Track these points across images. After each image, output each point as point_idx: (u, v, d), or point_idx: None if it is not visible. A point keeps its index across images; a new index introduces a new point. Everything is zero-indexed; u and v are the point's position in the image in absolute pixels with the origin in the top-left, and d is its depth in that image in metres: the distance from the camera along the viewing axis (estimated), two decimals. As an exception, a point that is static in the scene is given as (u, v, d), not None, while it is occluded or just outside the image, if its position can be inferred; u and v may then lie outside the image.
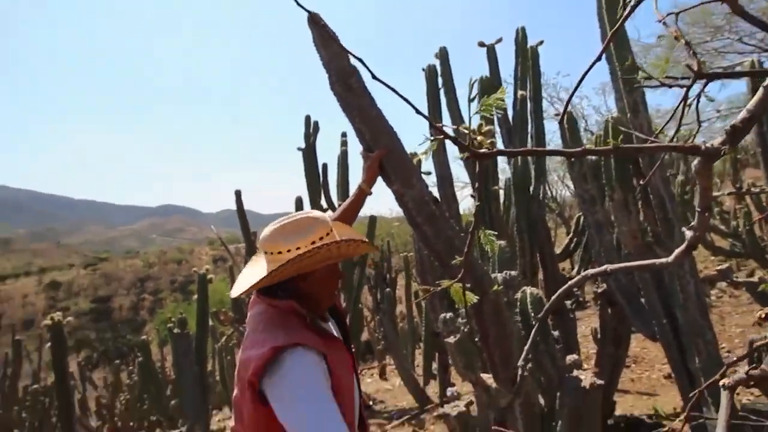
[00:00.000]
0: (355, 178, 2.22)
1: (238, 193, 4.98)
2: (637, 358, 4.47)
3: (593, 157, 2.69)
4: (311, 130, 5.20)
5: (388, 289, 5.53)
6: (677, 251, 1.00)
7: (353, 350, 1.40)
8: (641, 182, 2.33)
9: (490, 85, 3.61)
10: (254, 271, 1.24)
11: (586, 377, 1.77)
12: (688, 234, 0.96)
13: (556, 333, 2.33)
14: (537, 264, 3.35)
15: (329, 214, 1.57)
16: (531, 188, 3.35)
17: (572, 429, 1.76)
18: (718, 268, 4.06)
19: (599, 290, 2.83)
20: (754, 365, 0.90)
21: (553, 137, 9.50)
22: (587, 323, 5.53)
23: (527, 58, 3.72)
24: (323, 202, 5.08)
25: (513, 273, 2.16)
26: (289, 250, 1.17)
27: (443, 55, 3.79)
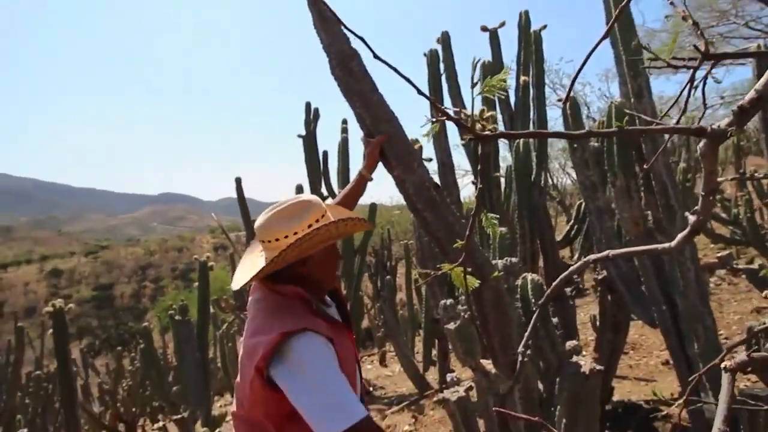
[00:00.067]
0: (356, 166, 2.22)
1: (238, 181, 4.95)
2: (635, 345, 4.50)
3: (596, 144, 2.67)
4: (311, 117, 5.16)
5: (388, 277, 5.54)
6: (680, 236, 0.99)
7: (354, 336, 1.40)
8: (645, 165, 2.31)
9: (492, 70, 3.58)
10: (254, 262, 1.24)
11: (586, 363, 1.77)
12: (691, 218, 0.95)
13: (555, 320, 2.33)
14: (537, 251, 3.35)
15: (329, 201, 1.56)
16: (533, 175, 3.33)
17: (571, 414, 1.77)
18: (719, 255, 4.07)
19: (600, 277, 2.83)
20: (754, 349, 0.90)
21: (555, 124, 9.45)
22: (586, 311, 5.56)
23: (530, 43, 3.67)
24: (324, 190, 5.06)
25: (514, 260, 2.16)
26: (286, 236, 1.16)
27: (445, 40, 3.74)
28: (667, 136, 1.42)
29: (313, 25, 1.59)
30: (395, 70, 0.62)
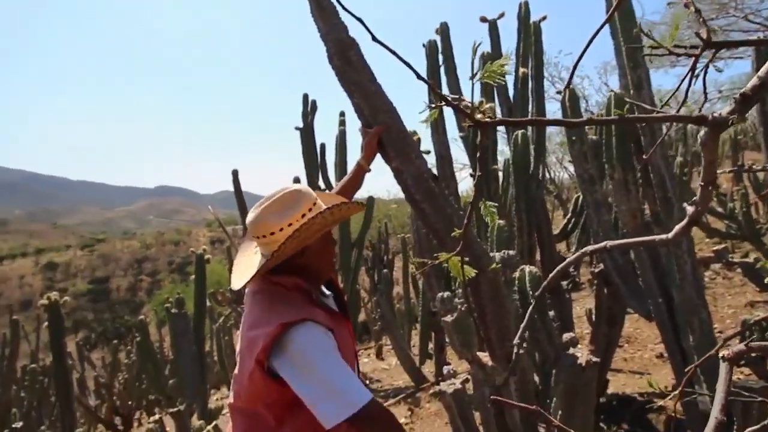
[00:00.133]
0: (354, 158, 2.20)
1: (235, 173, 4.93)
2: (630, 338, 4.53)
3: (594, 137, 2.66)
4: (309, 109, 5.12)
5: (385, 270, 5.55)
6: (677, 227, 0.99)
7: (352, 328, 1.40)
8: (644, 156, 2.31)
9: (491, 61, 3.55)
10: (250, 260, 1.22)
11: (583, 355, 1.78)
12: (690, 209, 0.95)
13: (552, 313, 2.34)
14: (535, 244, 3.35)
15: (327, 194, 1.55)
16: (531, 168, 3.32)
17: (567, 406, 1.78)
18: (715, 249, 4.08)
19: (596, 270, 2.84)
20: (751, 339, 0.90)
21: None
22: (582, 304, 5.58)
23: (530, 35, 3.65)
24: (321, 182, 5.05)
25: (511, 252, 2.16)
26: (281, 229, 1.14)
27: (444, 30, 3.71)
28: (665, 127, 1.41)
29: (310, 13, 1.57)
30: (394, 53, 0.61)
